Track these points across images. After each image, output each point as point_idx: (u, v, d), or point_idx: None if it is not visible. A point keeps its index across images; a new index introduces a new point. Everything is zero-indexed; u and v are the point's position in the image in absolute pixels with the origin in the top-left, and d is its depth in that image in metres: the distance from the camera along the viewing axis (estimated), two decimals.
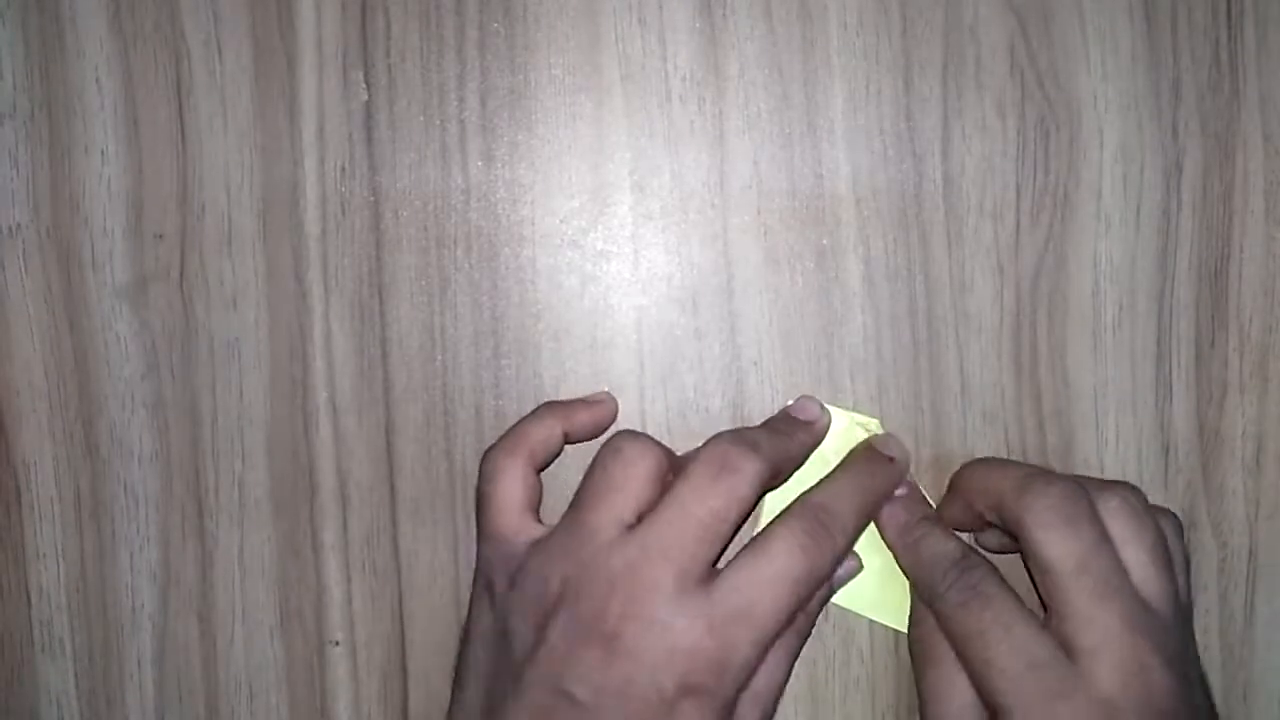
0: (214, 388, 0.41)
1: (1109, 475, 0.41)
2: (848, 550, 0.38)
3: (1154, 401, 0.41)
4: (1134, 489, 0.37)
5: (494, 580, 0.37)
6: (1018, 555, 0.37)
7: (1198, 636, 0.41)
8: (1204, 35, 0.41)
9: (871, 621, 0.41)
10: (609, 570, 0.34)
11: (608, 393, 0.41)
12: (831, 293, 0.41)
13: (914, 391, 0.41)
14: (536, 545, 0.36)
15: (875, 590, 0.40)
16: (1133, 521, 0.35)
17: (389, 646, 0.42)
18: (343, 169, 0.41)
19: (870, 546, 0.40)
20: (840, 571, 0.39)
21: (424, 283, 0.41)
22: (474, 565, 0.39)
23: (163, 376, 0.41)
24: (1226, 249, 0.41)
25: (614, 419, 0.41)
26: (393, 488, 0.41)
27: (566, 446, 0.39)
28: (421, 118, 0.41)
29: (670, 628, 0.34)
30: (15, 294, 0.41)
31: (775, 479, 0.37)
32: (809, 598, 0.36)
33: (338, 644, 0.42)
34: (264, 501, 0.41)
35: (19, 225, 0.41)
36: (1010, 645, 0.34)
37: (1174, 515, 0.38)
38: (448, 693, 0.38)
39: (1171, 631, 0.35)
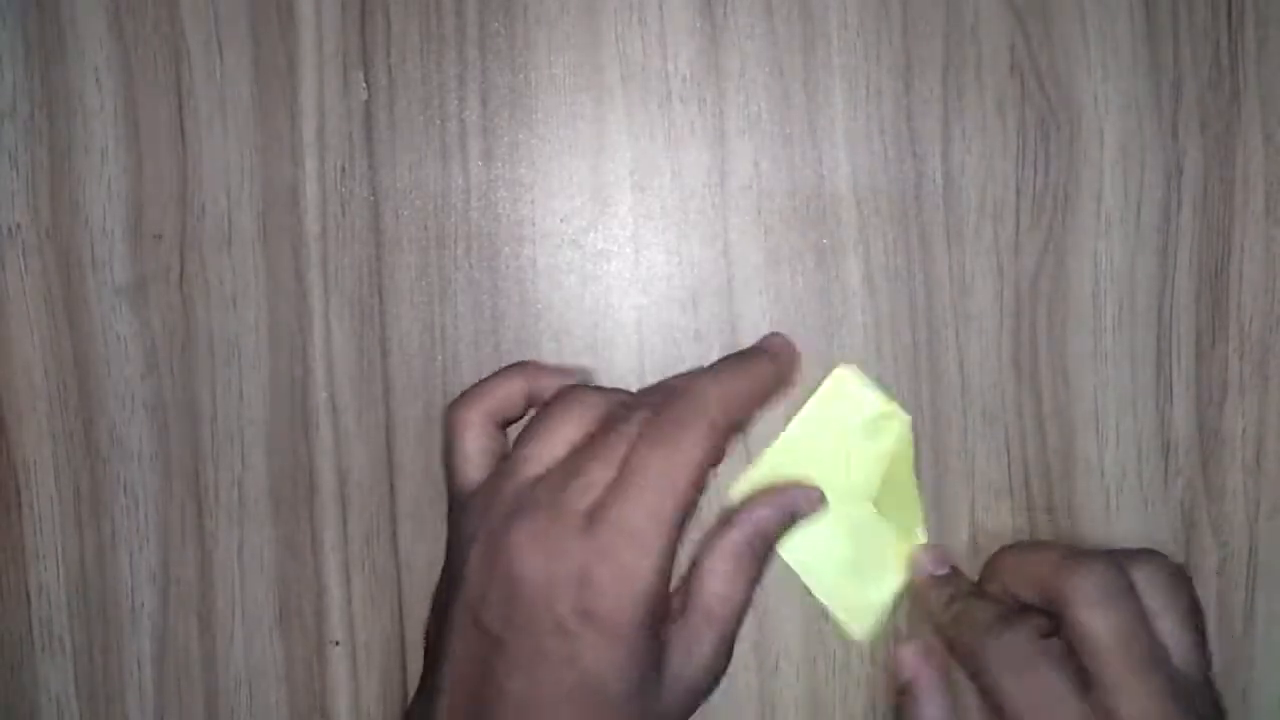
0: (214, 388, 0.41)
1: (1109, 475, 0.41)
2: (726, 434, 0.36)
3: (1154, 401, 0.41)
4: (1162, 557, 0.38)
5: (451, 522, 0.38)
6: None
7: None
8: (1204, 35, 0.41)
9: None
10: (521, 501, 0.35)
11: (583, 367, 0.41)
12: (831, 293, 0.41)
13: (914, 391, 0.41)
14: (478, 485, 0.37)
15: (843, 582, 0.40)
16: (1167, 593, 0.37)
17: (389, 646, 0.42)
18: (343, 169, 0.41)
19: (846, 538, 0.40)
20: (803, 504, 0.39)
21: (424, 282, 0.41)
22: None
23: (163, 376, 0.41)
24: (1226, 249, 0.41)
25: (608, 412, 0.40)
26: (393, 488, 0.41)
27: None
28: (421, 117, 0.41)
29: (562, 554, 0.34)
30: (15, 294, 0.41)
31: (732, 430, 0.36)
32: (692, 492, 0.35)
33: (338, 644, 0.42)
34: (264, 501, 0.41)
35: (19, 225, 0.41)
36: (1051, 715, 0.35)
37: (1186, 576, 0.39)
38: None
39: (1204, 698, 0.36)
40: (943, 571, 0.40)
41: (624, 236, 0.41)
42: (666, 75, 0.41)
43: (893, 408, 0.41)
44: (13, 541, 0.42)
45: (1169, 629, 0.36)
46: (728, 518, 0.38)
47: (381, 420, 0.41)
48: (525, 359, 0.41)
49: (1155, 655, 0.35)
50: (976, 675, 0.37)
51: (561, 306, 0.41)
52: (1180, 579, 0.37)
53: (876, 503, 0.40)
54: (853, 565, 0.40)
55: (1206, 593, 0.42)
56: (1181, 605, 0.37)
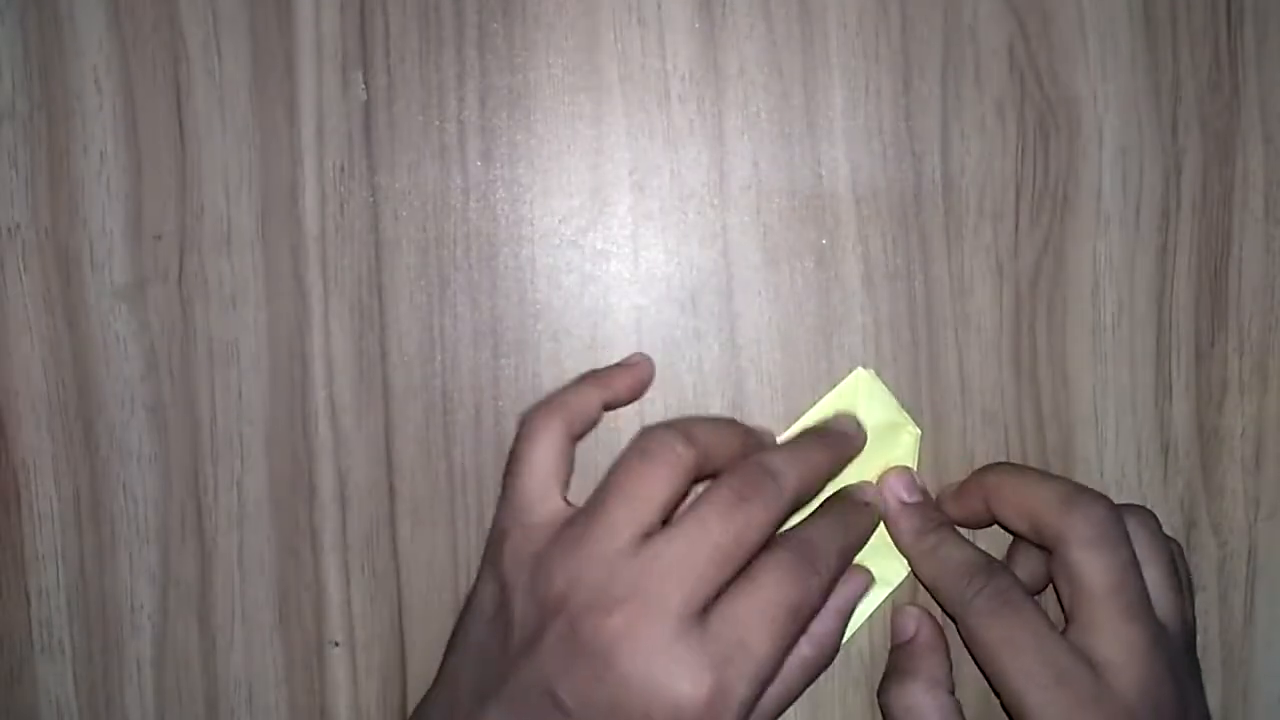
0: (213, 388, 0.41)
1: (1109, 475, 0.41)
2: (832, 585, 0.37)
3: (1154, 401, 0.41)
4: (1150, 512, 0.39)
5: (503, 558, 0.36)
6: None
7: (1198, 636, 0.41)
8: (1204, 35, 0.41)
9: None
10: (615, 582, 0.33)
11: (642, 354, 0.41)
12: (831, 293, 0.41)
13: (914, 391, 0.41)
14: (553, 537, 0.35)
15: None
16: (1153, 543, 0.37)
17: (389, 646, 0.42)
18: (342, 169, 0.41)
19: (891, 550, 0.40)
20: (856, 590, 0.39)
21: (424, 283, 0.41)
22: (484, 544, 0.39)
23: (162, 377, 0.41)
24: (1226, 249, 0.41)
25: (650, 381, 0.40)
26: (392, 488, 0.41)
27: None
28: (421, 118, 0.41)
29: (666, 661, 0.32)
30: (14, 294, 0.41)
31: (797, 505, 0.36)
32: (802, 628, 0.35)
33: (338, 644, 0.42)
34: (264, 502, 0.41)
35: (18, 225, 0.41)
36: (1041, 655, 0.35)
37: (1176, 541, 0.40)
38: None
39: (1181, 650, 0.37)
40: (914, 499, 0.40)
41: (623, 236, 0.41)
42: (665, 75, 0.41)
43: (905, 419, 0.40)
44: (13, 542, 0.42)
45: (1152, 578, 0.37)
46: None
47: (381, 420, 0.41)
48: (593, 370, 0.40)
49: (1142, 602, 0.36)
50: (959, 617, 0.37)
51: (561, 307, 0.41)
52: (1164, 536, 0.38)
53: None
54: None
55: (1207, 593, 0.42)
56: (1164, 557, 0.37)
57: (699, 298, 0.41)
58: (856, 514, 0.39)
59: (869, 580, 0.39)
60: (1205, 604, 0.42)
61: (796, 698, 0.38)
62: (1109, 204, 0.41)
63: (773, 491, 0.35)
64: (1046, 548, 0.37)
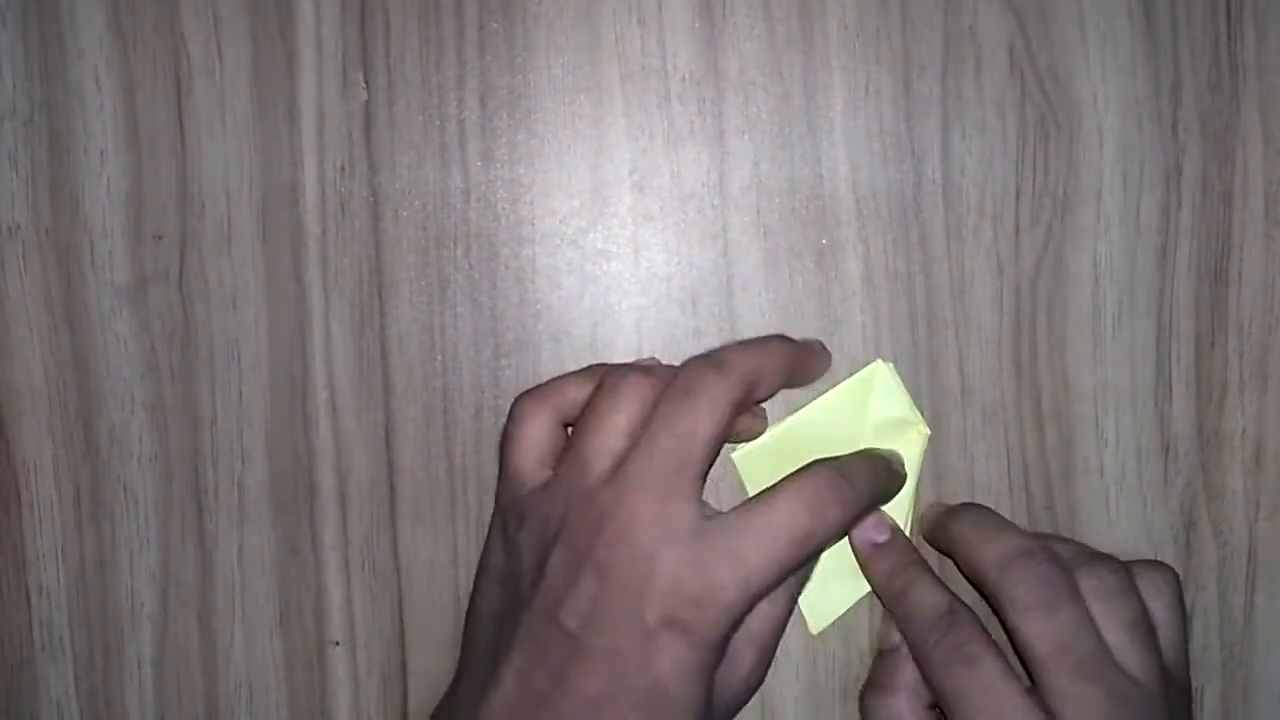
0: (213, 388, 0.41)
1: (1109, 475, 0.41)
2: (850, 526, 0.37)
3: (1154, 401, 0.41)
4: (1116, 563, 0.38)
5: (507, 520, 0.37)
6: None
7: (1198, 636, 0.41)
8: (1204, 35, 0.41)
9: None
10: (599, 502, 0.35)
11: (655, 359, 0.41)
12: (831, 293, 0.41)
13: (914, 392, 0.41)
14: (543, 485, 0.37)
15: (837, 585, 0.40)
16: (1110, 602, 0.36)
17: (389, 646, 0.42)
18: (342, 169, 0.41)
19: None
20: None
21: (424, 283, 0.41)
22: (483, 540, 0.39)
23: (162, 377, 0.41)
24: (1226, 249, 0.41)
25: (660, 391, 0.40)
26: (392, 488, 0.41)
27: None
28: (421, 118, 0.41)
29: (655, 558, 0.34)
30: (15, 294, 0.41)
31: (750, 395, 0.37)
32: (806, 560, 0.36)
33: (338, 644, 0.42)
34: (264, 502, 0.41)
35: (19, 225, 0.41)
36: (995, 714, 0.35)
37: (1168, 569, 0.39)
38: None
39: (1157, 704, 0.36)
40: (883, 539, 0.39)
41: (623, 237, 0.41)
42: (665, 75, 0.41)
43: (917, 417, 0.40)
44: (13, 542, 0.42)
45: (1114, 638, 0.36)
46: None
47: (381, 420, 0.41)
48: (605, 363, 0.40)
49: (1095, 662, 0.35)
50: (920, 665, 0.38)
51: (561, 307, 0.41)
52: (1126, 589, 0.37)
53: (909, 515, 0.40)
54: (823, 563, 0.39)
55: (1206, 593, 0.42)
56: (1128, 613, 0.36)
57: (699, 298, 0.41)
58: (894, 469, 0.39)
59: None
60: (1205, 604, 0.42)
61: (785, 623, 0.38)
62: (1109, 204, 0.41)
63: (718, 379, 0.36)
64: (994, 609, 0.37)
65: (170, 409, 0.41)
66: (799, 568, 0.36)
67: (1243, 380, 0.41)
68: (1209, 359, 0.41)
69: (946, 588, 0.38)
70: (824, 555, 0.38)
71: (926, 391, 0.41)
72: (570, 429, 0.38)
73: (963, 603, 0.38)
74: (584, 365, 0.41)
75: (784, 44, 0.41)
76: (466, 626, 0.39)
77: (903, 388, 0.40)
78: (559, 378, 0.39)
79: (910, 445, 0.40)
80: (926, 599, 0.38)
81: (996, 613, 0.37)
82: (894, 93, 0.41)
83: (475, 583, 0.39)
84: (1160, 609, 0.38)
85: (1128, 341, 0.41)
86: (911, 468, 0.40)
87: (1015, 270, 0.41)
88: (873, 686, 0.40)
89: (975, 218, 0.41)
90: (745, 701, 0.38)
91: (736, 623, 0.35)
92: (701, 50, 0.41)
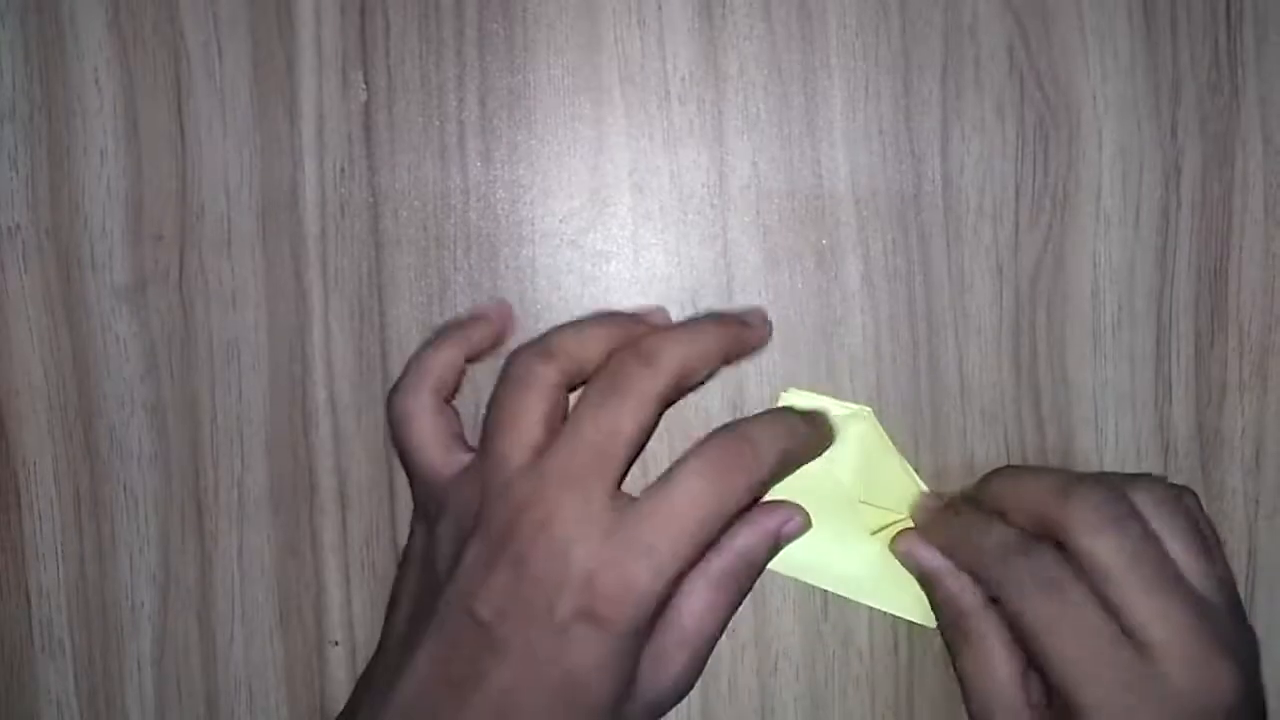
0: (213, 388, 0.41)
1: None
2: (764, 488, 0.37)
3: (1154, 401, 0.41)
4: (1157, 479, 0.37)
5: (429, 508, 0.38)
6: None
7: None
8: (1204, 35, 0.41)
9: (871, 616, 0.41)
10: (517, 494, 0.35)
11: (501, 300, 0.41)
12: (831, 293, 0.41)
13: (914, 391, 0.41)
14: (460, 473, 0.37)
15: (879, 579, 0.40)
16: (1166, 512, 0.36)
17: None
18: (342, 169, 0.41)
19: (867, 534, 0.40)
20: (788, 527, 0.38)
21: (424, 283, 0.41)
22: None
23: (162, 377, 0.41)
24: (1226, 249, 0.41)
25: (512, 329, 0.41)
26: (392, 488, 0.41)
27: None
28: (421, 118, 0.41)
29: (570, 552, 0.34)
30: (15, 294, 0.41)
31: (679, 387, 0.36)
32: (715, 532, 0.35)
33: (337, 644, 0.42)
34: (264, 502, 0.42)
35: (18, 225, 0.41)
36: (1088, 640, 0.34)
37: (1192, 492, 0.38)
38: None
39: (1227, 619, 0.35)
40: (793, 526, 0.39)
41: (623, 237, 0.41)
42: (665, 76, 0.41)
43: (851, 409, 0.40)
44: (13, 541, 0.42)
45: (1175, 549, 0.35)
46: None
47: (381, 420, 0.41)
48: (449, 323, 0.40)
49: (1169, 573, 0.35)
50: (1002, 599, 0.36)
51: (561, 307, 0.41)
52: (1177, 501, 0.37)
53: (866, 500, 0.40)
54: (874, 558, 0.40)
55: None
56: (1182, 522, 0.36)
57: (699, 298, 0.41)
58: (808, 422, 0.39)
59: (802, 523, 0.39)
60: None
61: (720, 627, 0.37)
62: (1109, 204, 0.41)
63: (645, 375, 0.35)
64: (1059, 543, 0.36)
65: (170, 409, 0.41)
66: (720, 532, 0.36)
67: (1242, 380, 0.41)
68: (1209, 359, 0.41)
69: (1007, 522, 0.37)
70: (874, 551, 0.39)
71: (926, 391, 0.41)
72: (452, 401, 0.39)
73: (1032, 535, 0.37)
74: (488, 306, 0.41)
75: (784, 44, 0.41)
76: (388, 612, 0.39)
77: (822, 397, 0.40)
78: (419, 358, 0.39)
79: (863, 433, 0.40)
80: (997, 534, 0.37)
81: (1060, 544, 0.36)
82: (894, 93, 0.41)
83: (398, 569, 0.39)
84: (1200, 518, 0.37)
85: (1127, 341, 0.41)
86: (881, 447, 0.40)
87: (1015, 270, 0.41)
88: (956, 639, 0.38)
89: (975, 218, 0.41)
90: (673, 703, 0.37)
91: (652, 609, 0.35)
92: (701, 50, 0.41)
